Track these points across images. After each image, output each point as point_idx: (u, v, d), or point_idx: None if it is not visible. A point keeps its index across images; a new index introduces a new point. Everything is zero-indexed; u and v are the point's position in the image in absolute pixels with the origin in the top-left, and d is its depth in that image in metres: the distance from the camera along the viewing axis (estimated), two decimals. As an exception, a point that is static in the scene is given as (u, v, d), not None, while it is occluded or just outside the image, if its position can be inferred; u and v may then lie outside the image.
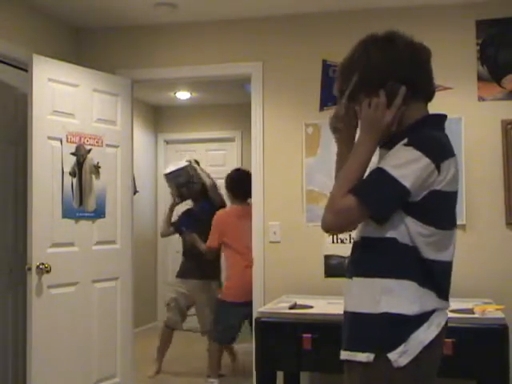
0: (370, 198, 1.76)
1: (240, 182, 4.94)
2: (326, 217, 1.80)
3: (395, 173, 1.73)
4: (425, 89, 1.89)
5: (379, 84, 1.82)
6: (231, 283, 4.86)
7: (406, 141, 1.78)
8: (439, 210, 1.81)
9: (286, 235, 4.27)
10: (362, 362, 1.77)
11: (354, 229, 1.91)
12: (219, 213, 5.03)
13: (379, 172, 1.77)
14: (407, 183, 1.72)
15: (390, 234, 1.78)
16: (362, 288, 1.82)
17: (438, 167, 1.74)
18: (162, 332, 5.36)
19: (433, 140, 1.80)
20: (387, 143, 1.86)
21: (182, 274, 5.35)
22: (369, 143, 1.84)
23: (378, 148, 1.89)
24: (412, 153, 1.74)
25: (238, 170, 5.26)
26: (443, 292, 1.85)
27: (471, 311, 3.32)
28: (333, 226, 1.85)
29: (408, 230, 1.77)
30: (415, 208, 1.76)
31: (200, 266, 5.19)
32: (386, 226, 1.79)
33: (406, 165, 1.74)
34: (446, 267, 1.85)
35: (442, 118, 1.93)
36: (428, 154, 1.73)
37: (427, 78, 1.89)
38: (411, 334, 1.75)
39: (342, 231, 1.91)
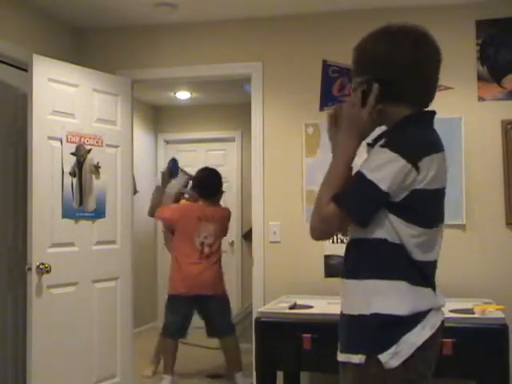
0: (349, 204, 1.76)
1: (204, 181, 5.00)
2: (312, 224, 1.82)
3: (372, 176, 1.74)
4: (414, 95, 1.85)
5: (369, 74, 1.83)
6: (172, 276, 4.92)
7: (382, 142, 1.79)
8: (424, 208, 1.79)
9: (285, 235, 4.27)
10: (355, 363, 1.77)
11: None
12: (187, 203, 5.08)
13: (358, 176, 1.77)
14: (384, 186, 1.72)
15: (379, 235, 1.78)
16: (354, 290, 1.83)
17: (415, 166, 1.73)
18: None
19: (409, 139, 1.78)
20: (373, 143, 1.86)
21: None
22: (349, 142, 1.83)
23: (366, 147, 1.90)
24: (387, 154, 1.74)
25: (204, 170, 5.20)
26: (435, 288, 1.85)
27: (471, 311, 3.32)
28: (319, 233, 1.85)
29: (395, 229, 1.77)
30: (399, 208, 1.76)
31: None
32: (375, 228, 1.79)
33: (381, 167, 1.74)
34: (432, 267, 1.86)
35: (426, 115, 1.89)
36: (403, 155, 1.72)
37: (421, 84, 1.85)
38: (403, 336, 1.74)
39: (328, 237, 1.92)
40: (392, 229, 1.77)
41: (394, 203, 1.75)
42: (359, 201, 1.77)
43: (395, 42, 1.82)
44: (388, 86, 1.81)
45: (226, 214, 5.05)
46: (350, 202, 1.76)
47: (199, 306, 4.90)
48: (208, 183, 5.00)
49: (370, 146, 1.88)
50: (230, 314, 5.02)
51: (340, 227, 1.82)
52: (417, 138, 1.79)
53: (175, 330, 4.84)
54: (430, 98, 1.90)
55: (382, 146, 1.77)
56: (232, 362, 4.96)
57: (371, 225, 1.79)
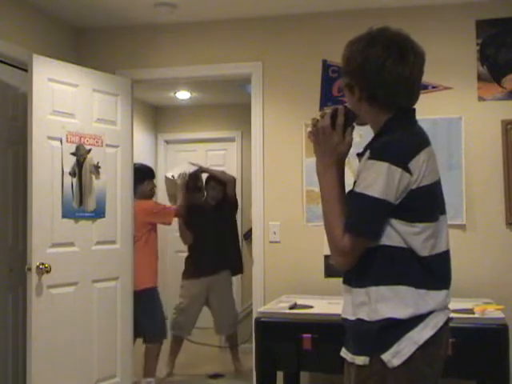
0: (361, 228, 1.77)
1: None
2: (336, 260, 1.84)
3: (371, 192, 1.75)
4: (401, 97, 1.85)
5: (348, 78, 1.88)
6: None
7: (368, 154, 1.80)
8: (422, 205, 1.80)
9: (285, 235, 4.27)
10: (359, 365, 1.80)
11: None
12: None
13: (358, 197, 1.78)
14: (384, 196, 1.74)
15: (381, 242, 1.79)
16: (357, 297, 1.84)
17: (406, 169, 1.74)
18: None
19: (394, 144, 1.79)
20: (363, 152, 1.88)
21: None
22: (328, 169, 1.87)
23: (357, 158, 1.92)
24: (376, 166, 1.75)
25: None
26: (448, 282, 1.86)
27: (471, 311, 3.32)
28: (348, 265, 1.85)
29: (398, 232, 1.78)
30: (398, 210, 1.77)
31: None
32: None
33: (375, 180, 1.75)
34: (443, 257, 1.86)
35: (408, 114, 1.89)
36: (391, 161, 1.74)
37: (396, 87, 1.84)
38: (404, 335, 1.76)
39: (356, 262, 1.88)
40: (394, 232, 1.78)
41: (393, 207, 1.76)
42: (369, 221, 1.77)
43: (379, 47, 1.83)
44: (372, 90, 1.83)
45: (143, 207, 4.78)
46: (361, 226, 1.77)
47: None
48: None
49: (360, 155, 1.89)
50: (152, 315, 4.73)
51: (362, 252, 1.81)
52: (402, 142, 1.80)
53: None
54: (414, 101, 1.90)
55: (369, 159, 1.78)
56: (145, 366, 4.78)
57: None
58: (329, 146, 1.86)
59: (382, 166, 1.73)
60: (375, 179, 1.74)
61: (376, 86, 1.83)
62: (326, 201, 1.86)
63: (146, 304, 4.62)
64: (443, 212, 1.89)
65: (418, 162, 1.77)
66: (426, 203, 1.81)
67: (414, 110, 1.91)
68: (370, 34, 1.87)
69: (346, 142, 1.87)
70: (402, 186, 1.74)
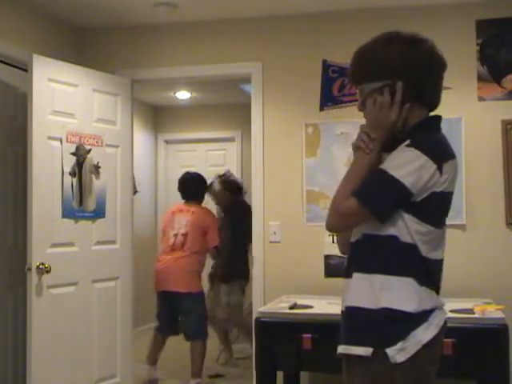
0: (370, 198, 1.78)
1: (182, 184, 5.20)
2: (330, 218, 1.84)
3: (395, 173, 1.75)
4: (430, 97, 1.89)
5: (388, 79, 1.83)
6: None
7: (408, 142, 1.80)
8: (438, 210, 1.83)
9: (285, 235, 4.27)
10: (361, 356, 1.78)
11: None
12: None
13: (380, 173, 1.79)
14: (407, 183, 1.74)
15: (391, 232, 1.80)
16: (361, 283, 1.83)
17: (440, 168, 1.76)
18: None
19: (435, 141, 1.82)
20: (390, 147, 1.87)
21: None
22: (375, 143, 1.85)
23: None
24: (413, 153, 1.76)
25: (185, 173, 5.34)
26: (439, 290, 1.88)
27: (471, 311, 3.32)
28: (337, 228, 1.89)
29: (407, 228, 1.78)
30: (414, 207, 1.78)
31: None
32: (387, 224, 1.80)
33: (406, 165, 1.75)
34: (440, 265, 1.88)
35: (438, 120, 1.93)
36: (430, 155, 1.75)
37: (435, 87, 1.89)
38: (410, 332, 1.76)
39: (345, 231, 1.93)
40: (404, 226, 1.79)
41: (411, 202, 1.77)
42: (379, 196, 1.78)
43: (411, 44, 1.85)
44: (419, 88, 1.83)
45: (204, 212, 5.04)
46: (369, 197, 1.78)
47: (172, 302, 4.86)
48: (181, 186, 5.20)
49: (385, 151, 1.88)
50: (197, 315, 4.86)
51: (357, 222, 1.83)
52: (440, 142, 1.84)
53: (159, 323, 5.01)
54: (439, 102, 1.93)
55: (407, 146, 1.79)
56: (192, 366, 4.84)
57: (385, 222, 1.80)
58: (383, 121, 1.84)
59: (421, 158, 1.75)
60: (406, 164, 1.75)
61: (424, 83, 1.84)
62: (352, 171, 1.85)
63: (195, 305, 4.83)
64: (445, 223, 1.91)
65: (451, 167, 1.79)
66: (441, 208, 1.84)
67: (441, 117, 1.92)
68: (395, 34, 1.87)
69: (399, 120, 1.85)
70: (431, 183, 1.75)
